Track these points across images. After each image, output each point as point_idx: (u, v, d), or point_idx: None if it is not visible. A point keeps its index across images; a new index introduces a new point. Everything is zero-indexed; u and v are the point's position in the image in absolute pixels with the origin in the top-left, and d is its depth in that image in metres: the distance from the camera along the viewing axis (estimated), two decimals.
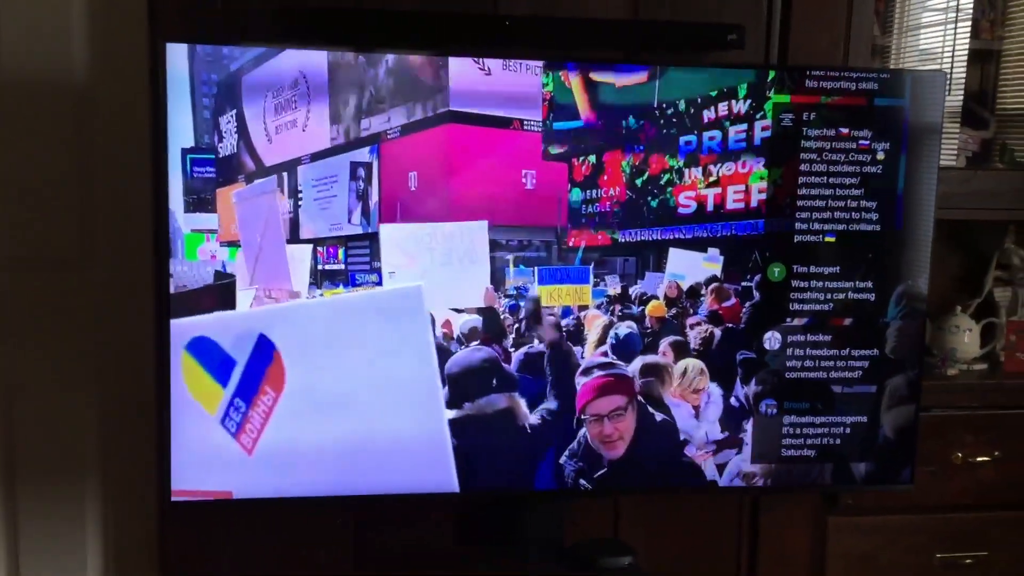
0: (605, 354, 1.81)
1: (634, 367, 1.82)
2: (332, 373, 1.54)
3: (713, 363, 1.85)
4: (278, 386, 1.51)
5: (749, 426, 1.88)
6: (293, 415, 1.57)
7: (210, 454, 1.60)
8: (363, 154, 1.73)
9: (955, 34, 2.27)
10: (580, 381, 1.81)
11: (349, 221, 1.73)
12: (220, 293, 1.61)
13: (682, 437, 1.85)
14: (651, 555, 2.14)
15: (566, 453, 1.82)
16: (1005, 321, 2.33)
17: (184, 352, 1.58)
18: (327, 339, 1.58)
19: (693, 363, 1.84)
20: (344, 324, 1.56)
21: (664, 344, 1.84)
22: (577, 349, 1.81)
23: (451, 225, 1.73)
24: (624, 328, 1.82)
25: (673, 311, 1.83)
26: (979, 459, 2.16)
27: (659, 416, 1.83)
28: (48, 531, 2.17)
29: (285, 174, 1.72)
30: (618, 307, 1.81)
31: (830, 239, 1.85)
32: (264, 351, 1.52)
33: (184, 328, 1.60)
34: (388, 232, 1.71)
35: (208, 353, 1.54)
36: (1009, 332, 2.30)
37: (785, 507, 2.17)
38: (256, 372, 1.52)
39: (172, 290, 1.65)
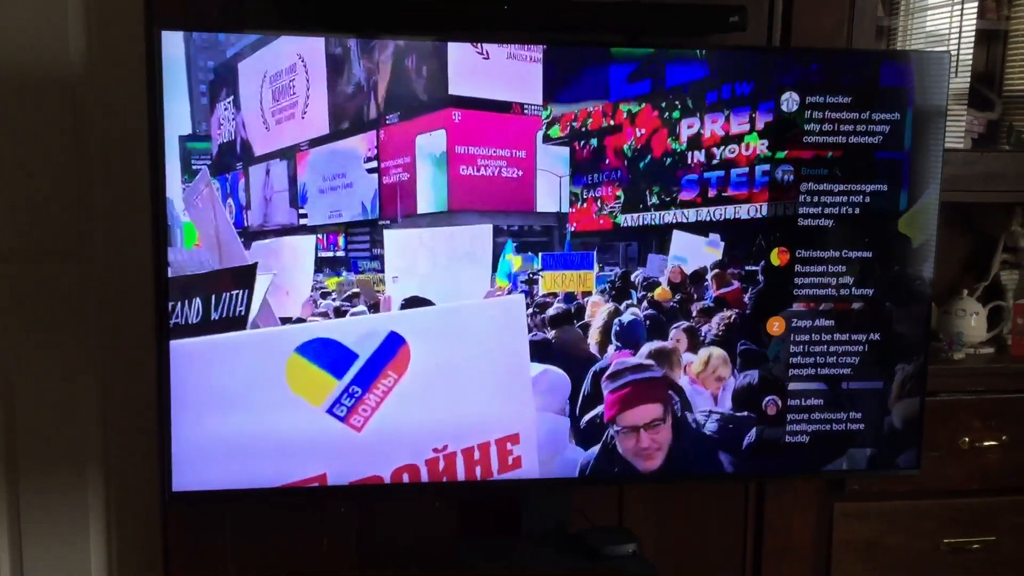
0: (633, 354, 1.81)
1: (642, 352, 1.81)
2: (447, 360, 1.78)
3: (728, 348, 1.84)
4: (401, 370, 1.75)
5: (755, 411, 1.86)
6: (407, 396, 1.77)
7: (311, 442, 1.75)
8: (362, 139, 1.72)
9: (962, 15, 2.24)
10: (607, 387, 1.81)
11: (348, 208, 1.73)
12: (240, 275, 1.72)
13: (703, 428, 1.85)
14: (656, 542, 2.13)
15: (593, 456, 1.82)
16: (1012, 304, 2.31)
17: (294, 354, 1.72)
18: (447, 335, 1.78)
19: (717, 352, 1.83)
20: (458, 322, 1.79)
21: (675, 331, 1.82)
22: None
23: (453, 228, 1.74)
24: (628, 315, 1.80)
25: (678, 296, 1.82)
26: (986, 443, 2.15)
27: (692, 417, 1.83)
28: (51, 522, 2.16)
29: (276, 161, 1.72)
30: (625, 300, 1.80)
31: (833, 222, 1.83)
32: (393, 343, 1.74)
33: (295, 333, 1.72)
34: (391, 236, 1.73)
35: (326, 351, 1.73)
36: (1016, 315, 2.28)
37: (790, 493, 2.16)
38: (380, 361, 1.74)
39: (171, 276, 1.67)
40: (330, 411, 1.74)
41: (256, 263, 1.71)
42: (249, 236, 1.71)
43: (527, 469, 1.80)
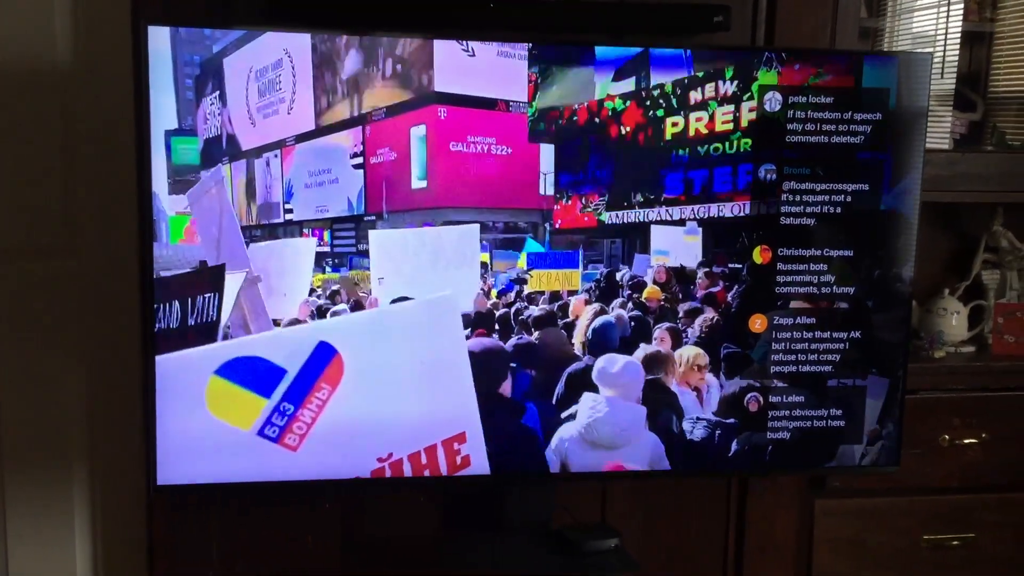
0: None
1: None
2: (383, 366, 1.73)
3: (711, 351, 1.84)
4: (335, 382, 1.69)
5: (738, 408, 1.87)
6: (344, 407, 1.71)
7: (247, 467, 1.70)
8: (348, 135, 1.72)
9: (948, 17, 2.26)
10: None
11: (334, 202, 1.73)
12: (210, 277, 1.68)
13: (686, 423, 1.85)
14: (638, 538, 2.14)
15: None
16: (993, 304, 2.33)
17: (213, 377, 1.66)
18: (380, 340, 1.74)
19: (690, 349, 1.83)
20: (393, 325, 1.75)
21: (659, 331, 1.83)
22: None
23: (440, 229, 1.74)
24: (601, 321, 1.79)
25: (665, 296, 1.82)
26: (966, 441, 2.17)
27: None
28: (36, 517, 2.16)
29: (264, 157, 1.72)
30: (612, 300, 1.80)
31: (816, 221, 1.85)
32: (324, 354, 1.68)
33: (214, 353, 1.66)
34: (376, 238, 1.72)
35: (250, 370, 1.66)
36: (997, 314, 2.30)
37: (772, 490, 2.17)
38: (312, 374, 1.68)
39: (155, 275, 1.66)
40: (261, 433, 1.67)
41: (224, 264, 1.66)
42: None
43: (476, 467, 1.78)
